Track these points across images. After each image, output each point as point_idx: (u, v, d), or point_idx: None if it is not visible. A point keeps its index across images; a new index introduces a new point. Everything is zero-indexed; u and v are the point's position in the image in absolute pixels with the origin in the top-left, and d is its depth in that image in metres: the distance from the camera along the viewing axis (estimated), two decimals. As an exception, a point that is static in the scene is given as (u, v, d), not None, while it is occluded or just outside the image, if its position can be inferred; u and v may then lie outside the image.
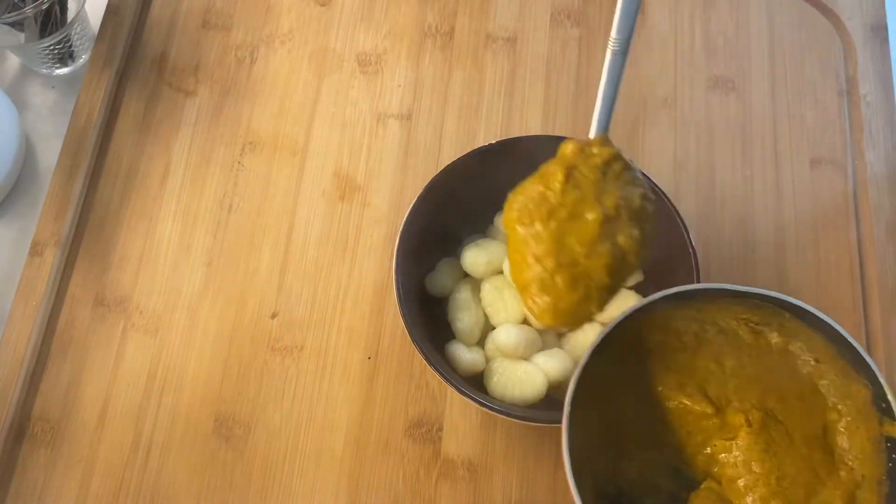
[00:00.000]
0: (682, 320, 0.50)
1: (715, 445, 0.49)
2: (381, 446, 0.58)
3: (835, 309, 0.62)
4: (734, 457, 0.48)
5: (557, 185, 0.42)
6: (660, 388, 0.50)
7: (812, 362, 0.49)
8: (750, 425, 0.48)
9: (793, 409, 0.49)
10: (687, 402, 0.49)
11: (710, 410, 0.49)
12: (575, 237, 0.41)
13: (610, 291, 0.42)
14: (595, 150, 0.43)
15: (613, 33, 0.42)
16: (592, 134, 0.44)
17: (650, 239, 0.42)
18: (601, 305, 0.43)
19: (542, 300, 0.42)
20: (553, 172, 0.42)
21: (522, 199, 0.42)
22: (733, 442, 0.48)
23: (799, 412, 0.48)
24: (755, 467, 0.47)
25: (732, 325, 0.50)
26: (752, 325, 0.50)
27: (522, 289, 0.43)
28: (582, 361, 0.47)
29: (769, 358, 0.50)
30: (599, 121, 0.44)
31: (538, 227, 0.41)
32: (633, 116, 0.68)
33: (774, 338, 0.50)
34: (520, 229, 0.42)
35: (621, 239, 0.41)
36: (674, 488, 0.49)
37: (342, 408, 0.59)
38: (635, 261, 0.42)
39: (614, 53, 0.42)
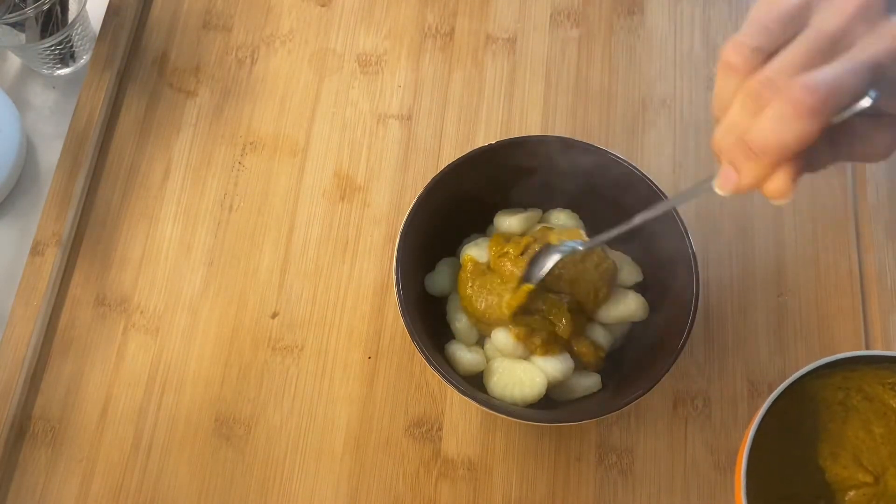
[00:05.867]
0: (830, 389, 0.50)
1: None
2: (381, 446, 0.58)
3: (834, 310, 0.62)
4: None
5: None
6: (818, 460, 0.50)
7: None
8: None
9: None
10: (843, 473, 0.49)
11: (868, 479, 0.48)
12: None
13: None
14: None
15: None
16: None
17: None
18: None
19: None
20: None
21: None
22: None
23: None
24: None
25: (878, 390, 0.50)
26: None
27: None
28: (748, 440, 0.48)
29: None
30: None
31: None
32: (632, 117, 0.68)
33: None
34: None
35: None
36: None
37: (342, 407, 0.59)
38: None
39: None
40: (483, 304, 0.55)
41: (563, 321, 0.54)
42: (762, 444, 0.48)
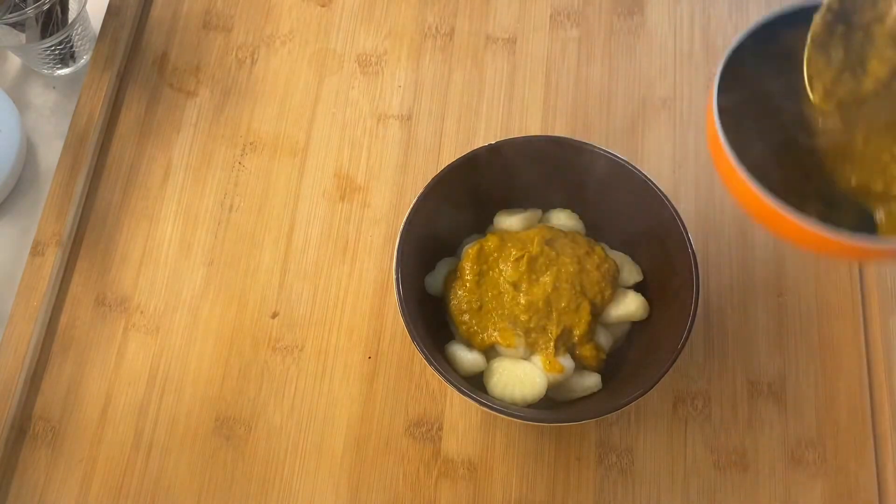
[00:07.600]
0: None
1: None
2: (382, 446, 0.58)
3: (834, 310, 0.62)
4: None
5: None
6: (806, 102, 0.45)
7: None
8: None
9: None
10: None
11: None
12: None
13: None
14: None
15: None
16: None
17: None
18: None
19: None
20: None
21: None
22: None
23: None
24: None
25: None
26: None
27: None
28: (726, 56, 0.43)
29: None
30: None
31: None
32: (632, 116, 0.68)
33: None
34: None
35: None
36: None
37: (342, 407, 0.59)
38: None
39: None
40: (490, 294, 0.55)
41: (585, 324, 0.54)
42: (749, 59, 0.43)
